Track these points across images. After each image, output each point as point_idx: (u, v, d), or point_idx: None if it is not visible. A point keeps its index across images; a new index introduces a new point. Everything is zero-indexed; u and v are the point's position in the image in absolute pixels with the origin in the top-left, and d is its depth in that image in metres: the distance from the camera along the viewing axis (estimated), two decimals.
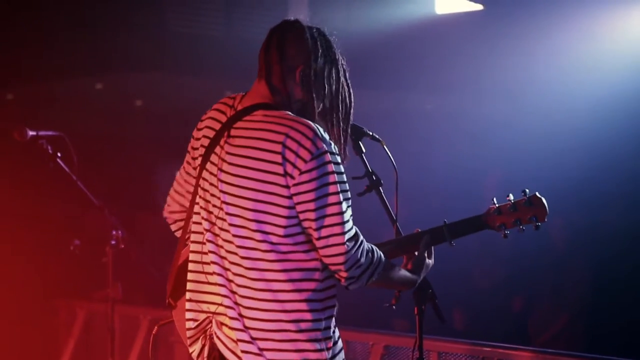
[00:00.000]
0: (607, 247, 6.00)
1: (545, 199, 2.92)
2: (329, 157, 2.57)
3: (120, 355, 5.41)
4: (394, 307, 3.01)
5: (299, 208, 2.56)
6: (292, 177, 2.55)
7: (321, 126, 2.64)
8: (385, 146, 3.06)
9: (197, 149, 2.75)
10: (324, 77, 2.70)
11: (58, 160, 4.74)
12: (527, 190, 2.96)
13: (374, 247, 2.67)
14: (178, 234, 2.92)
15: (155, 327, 2.87)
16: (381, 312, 5.72)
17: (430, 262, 2.91)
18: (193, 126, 2.82)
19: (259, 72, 2.73)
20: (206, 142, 2.70)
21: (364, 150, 3.04)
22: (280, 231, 2.56)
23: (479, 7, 7.40)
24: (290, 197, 2.56)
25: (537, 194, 2.95)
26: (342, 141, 2.73)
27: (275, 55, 2.68)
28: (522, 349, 4.26)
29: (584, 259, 6.00)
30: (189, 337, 2.73)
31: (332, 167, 2.57)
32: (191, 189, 2.78)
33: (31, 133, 4.65)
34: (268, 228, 2.56)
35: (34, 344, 6.36)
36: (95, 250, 5.02)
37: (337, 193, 2.57)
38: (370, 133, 3.04)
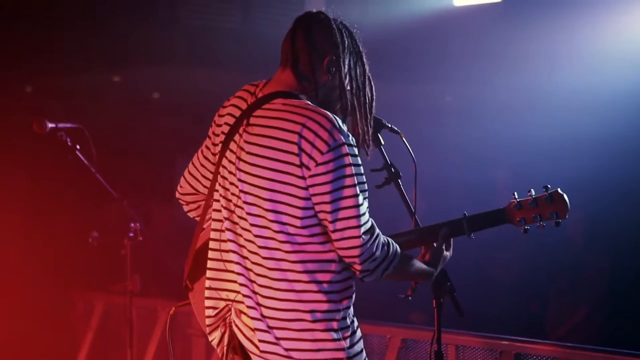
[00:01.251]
0: (625, 241, 5.96)
1: (567, 195, 2.91)
2: (346, 149, 2.56)
3: (139, 347, 5.42)
4: (409, 298, 3.01)
5: (315, 200, 2.55)
6: (308, 169, 2.54)
7: (340, 118, 2.63)
8: (404, 138, 3.06)
9: (217, 135, 2.75)
10: (350, 68, 2.70)
11: (77, 152, 4.76)
12: (549, 186, 2.95)
13: (390, 240, 2.66)
14: (191, 214, 2.94)
15: (173, 308, 2.88)
16: (398, 306, 5.72)
17: (448, 254, 2.91)
18: (210, 119, 2.82)
19: (283, 60, 2.72)
20: (227, 129, 2.70)
21: (382, 143, 3.03)
22: (297, 222, 2.56)
23: None
24: (306, 189, 2.55)
25: (559, 190, 2.94)
26: (366, 134, 2.72)
27: (303, 44, 2.67)
28: (539, 343, 4.24)
29: (601, 253, 5.97)
30: (209, 325, 2.74)
31: (349, 160, 2.56)
32: (207, 174, 2.79)
33: (50, 125, 4.67)
34: (285, 219, 2.56)
35: (52, 336, 6.38)
36: (114, 243, 5.04)
37: (354, 186, 2.55)
38: (389, 125, 3.04)
